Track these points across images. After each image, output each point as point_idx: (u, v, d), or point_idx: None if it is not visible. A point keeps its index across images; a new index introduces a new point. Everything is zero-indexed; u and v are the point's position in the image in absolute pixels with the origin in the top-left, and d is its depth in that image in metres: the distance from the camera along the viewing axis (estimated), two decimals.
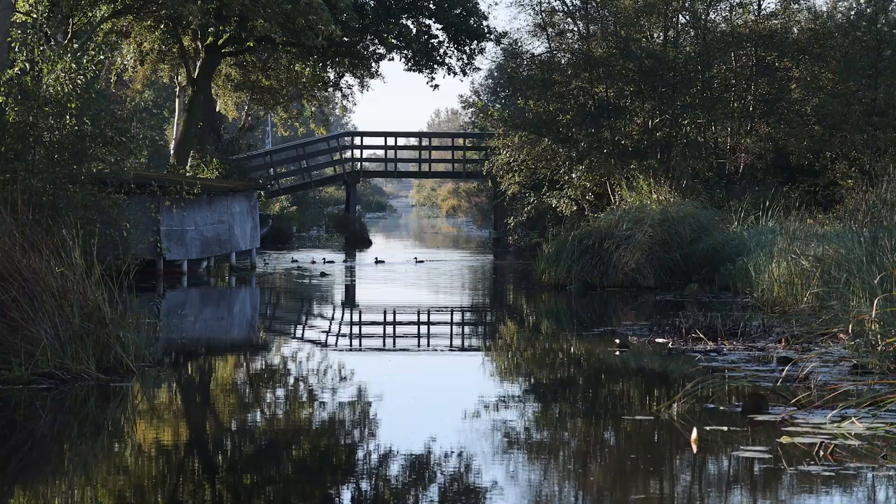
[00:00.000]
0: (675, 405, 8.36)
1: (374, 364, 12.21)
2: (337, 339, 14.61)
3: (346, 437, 8.22)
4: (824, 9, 29.16)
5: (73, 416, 8.87)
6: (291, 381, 11.05)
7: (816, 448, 6.97)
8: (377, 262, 26.82)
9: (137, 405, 9.37)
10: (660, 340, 12.30)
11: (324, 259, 26.89)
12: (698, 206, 20.67)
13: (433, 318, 16.78)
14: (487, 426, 8.42)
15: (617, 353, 11.76)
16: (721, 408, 8.55)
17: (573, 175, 26.22)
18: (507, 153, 27.81)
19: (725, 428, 7.86)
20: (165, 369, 10.77)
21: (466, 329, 16.29)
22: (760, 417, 8.08)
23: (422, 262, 26.65)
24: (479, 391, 9.94)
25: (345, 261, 28.55)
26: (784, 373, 9.00)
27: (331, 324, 16.38)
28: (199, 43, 29.57)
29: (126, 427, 8.66)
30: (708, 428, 7.81)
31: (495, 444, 7.77)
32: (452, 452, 7.43)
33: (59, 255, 10.06)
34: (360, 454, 7.61)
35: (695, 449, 7.28)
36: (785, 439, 7.31)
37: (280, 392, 10.29)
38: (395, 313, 17.18)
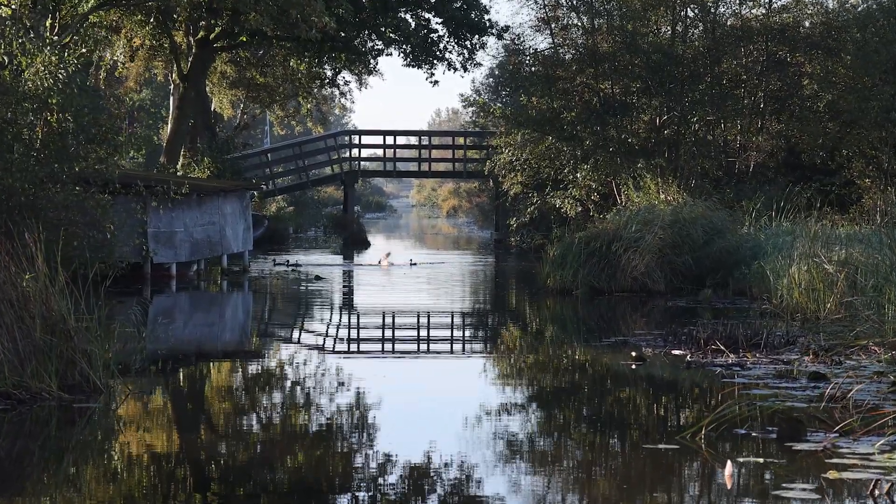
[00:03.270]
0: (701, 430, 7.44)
1: (369, 374, 11.26)
2: (334, 342, 13.76)
3: (341, 455, 7.32)
4: (832, 5, 28.16)
5: (31, 441, 7.97)
6: (281, 395, 10.14)
7: (871, 487, 6.07)
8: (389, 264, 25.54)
9: (103, 429, 8.47)
10: (677, 352, 11.40)
11: (294, 262, 25.60)
12: (710, 207, 19.74)
13: (431, 323, 15.87)
14: (484, 449, 7.52)
15: (633, 366, 10.84)
16: (753, 434, 7.64)
17: (578, 174, 25.31)
18: (509, 152, 26.90)
19: (761, 459, 6.96)
20: (139, 386, 9.87)
21: (466, 335, 15.35)
22: (799, 446, 7.18)
23: (415, 264, 25.51)
24: (479, 404, 9.03)
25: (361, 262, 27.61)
26: (826, 394, 8.07)
27: (327, 328, 15.51)
28: (190, 38, 28.70)
29: (90, 454, 7.77)
30: (741, 459, 6.90)
31: (497, 464, 6.88)
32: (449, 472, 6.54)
33: (21, 262, 9.18)
34: (357, 465, 6.73)
35: (729, 485, 6.38)
36: (832, 474, 6.40)
37: (267, 410, 9.38)
38: (393, 318, 16.30)
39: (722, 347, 11.06)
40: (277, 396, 10.14)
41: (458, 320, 16.76)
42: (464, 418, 8.63)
